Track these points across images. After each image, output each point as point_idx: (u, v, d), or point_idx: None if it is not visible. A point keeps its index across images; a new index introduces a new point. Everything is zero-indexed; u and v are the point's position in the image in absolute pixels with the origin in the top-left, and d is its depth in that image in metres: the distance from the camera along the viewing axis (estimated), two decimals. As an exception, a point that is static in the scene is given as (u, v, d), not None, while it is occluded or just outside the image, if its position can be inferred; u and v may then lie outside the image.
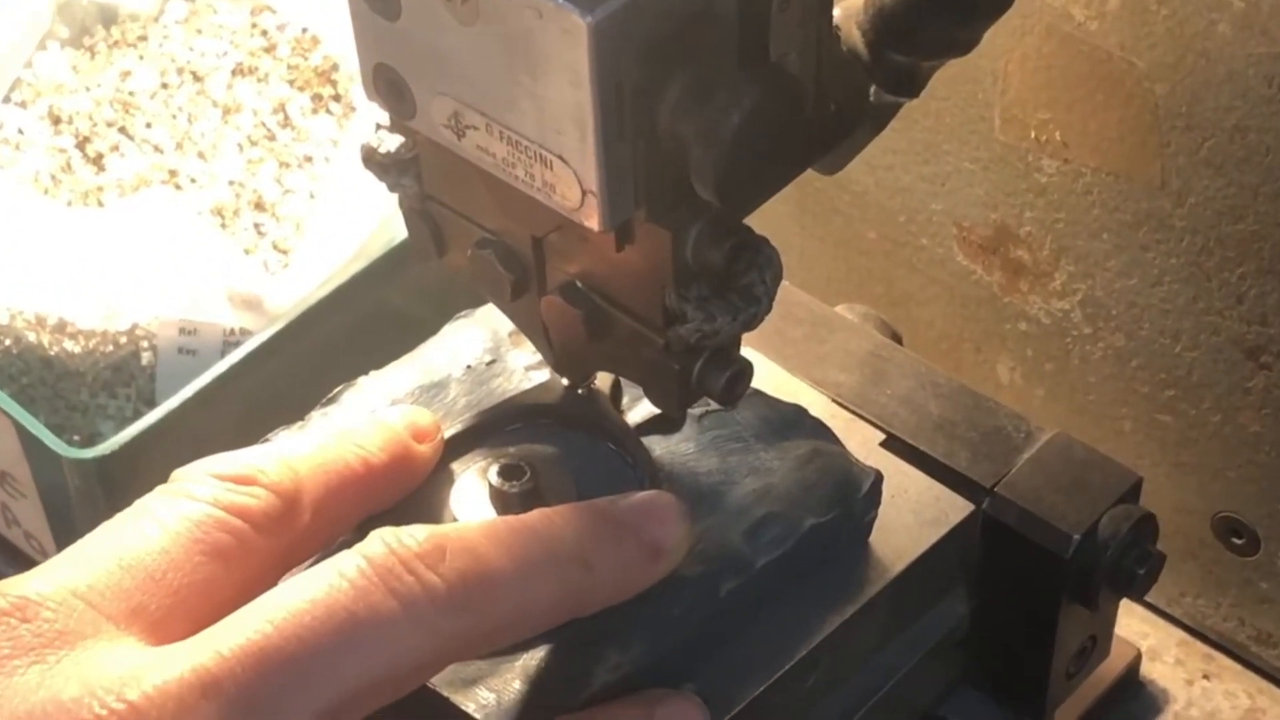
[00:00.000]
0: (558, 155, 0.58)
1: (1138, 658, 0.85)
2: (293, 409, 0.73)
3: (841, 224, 0.89)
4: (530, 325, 0.69)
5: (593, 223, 0.59)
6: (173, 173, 0.95)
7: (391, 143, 0.67)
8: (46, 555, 0.89)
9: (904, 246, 0.87)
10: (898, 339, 0.81)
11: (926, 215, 0.85)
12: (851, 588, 0.69)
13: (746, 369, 0.65)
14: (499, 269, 0.66)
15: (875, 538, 0.70)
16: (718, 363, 0.64)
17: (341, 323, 0.88)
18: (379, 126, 0.67)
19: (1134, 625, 0.88)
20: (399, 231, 0.90)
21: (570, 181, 0.58)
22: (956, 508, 0.72)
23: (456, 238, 0.68)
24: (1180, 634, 0.88)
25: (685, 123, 0.56)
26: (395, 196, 0.92)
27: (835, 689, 0.70)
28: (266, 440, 0.70)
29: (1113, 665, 0.83)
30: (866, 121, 0.67)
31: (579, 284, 0.65)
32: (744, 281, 0.62)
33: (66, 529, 0.87)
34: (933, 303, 0.87)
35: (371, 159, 0.68)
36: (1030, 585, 0.73)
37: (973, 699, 0.78)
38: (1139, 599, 0.74)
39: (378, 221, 0.93)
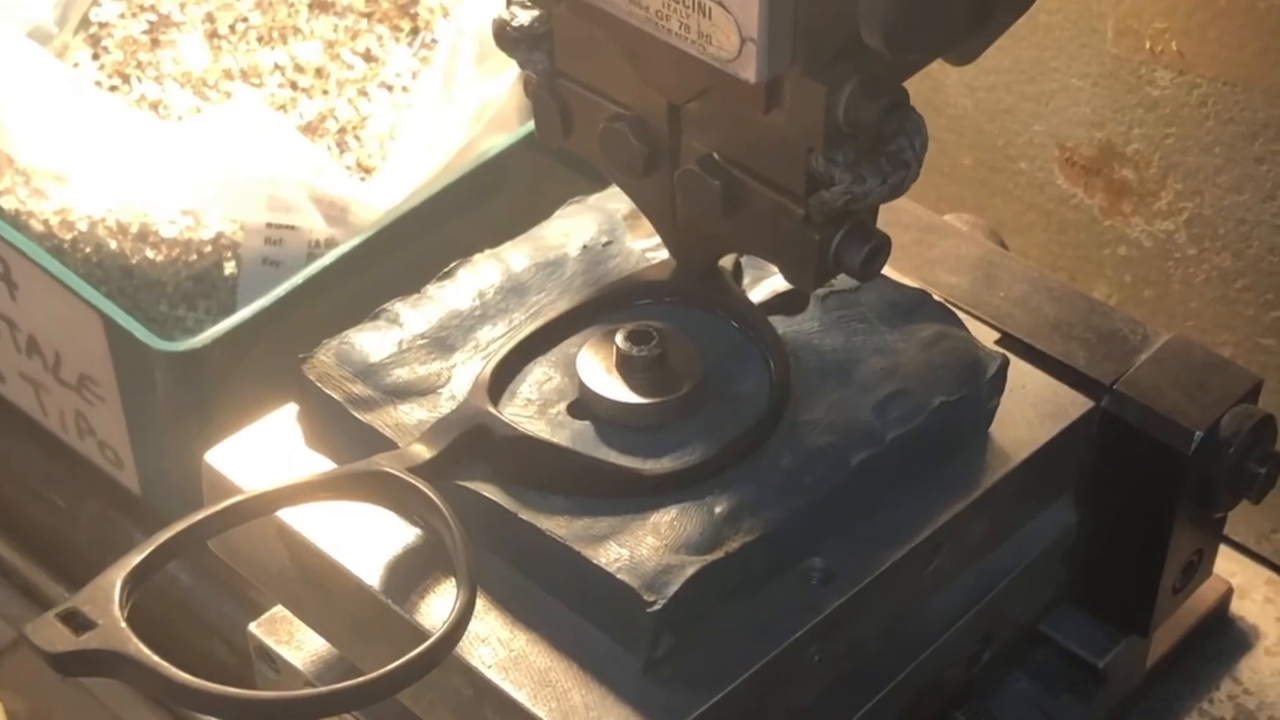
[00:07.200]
0: (717, 1, 0.58)
1: (1228, 593, 0.84)
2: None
3: (936, 150, 0.88)
4: (655, 205, 0.68)
5: (749, 73, 0.58)
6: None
7: (525, 16, 0.67)
8: (122, 467, 0.88)
9: (1001, 172, 0.86)
10: (1004, 247, 0.80)
11: (1028, 137, 0.84)
12: (974, 474, 0.68)
13: (885, 244, 0.64)
14: (633, 141, 0.66)
15: (995, 430, 0.70)
16: (857, 236, 0.63)
17: (426, 242, 0.88)
18: (511, 1, 0.67)
19: (1221, 564, 0.87)
20: (487, 151, 0.90)
21: (729, 30, 0.58)
22: (1076, 403, 0.71)
23: (584, 117, 0.67)
24: (1268, 573, 0.87)
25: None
26: (478, 124, 0.94)
27: (950, 583, 0.69)
28: (384, 310, 0.69)
29: (1203, 599, 0.82)
30: (1007, 6, 0.66)
31: (716, 156, 0.64)
32: (893, 146, 0.62)
33: (146, 436, 0.86)
34: (1028, 230, 0.87)
35: (503, 33, 0.67)
36: (1147, 486, 0.72)
37: (1074, 617, 0.77)
38: (1257, 500, 0.73)
39: (462, 143, 0.92)
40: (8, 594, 0.93)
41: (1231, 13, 0.75)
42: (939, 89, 0.87)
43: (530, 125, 0.90)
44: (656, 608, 0.60)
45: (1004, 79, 0.84)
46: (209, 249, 0.88)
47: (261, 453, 0.68)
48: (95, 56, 0.97)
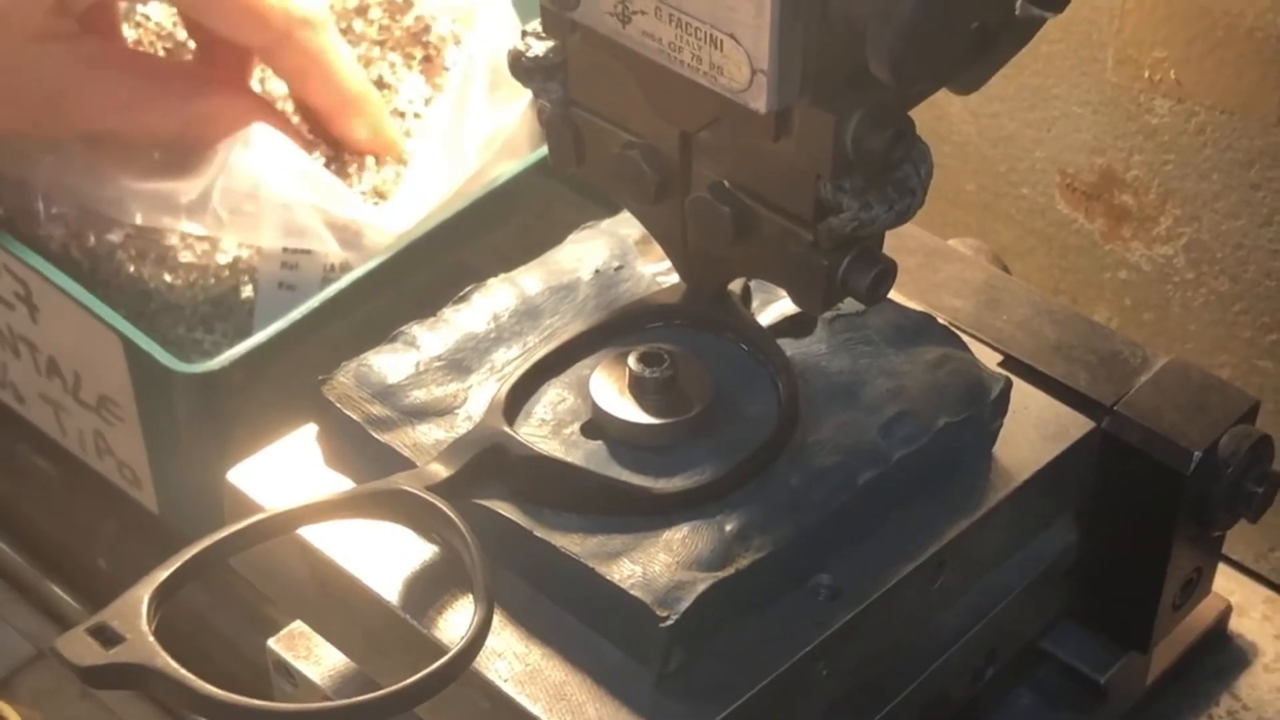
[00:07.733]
0: (729, 34, 0.59)
1: (1227, 610, 0.85)
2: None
3: (940, 176, 0.88)
4: (666, 231, 0.70)
5: (759, 104, 0.60)
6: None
7: (539, 48, 0.68)
8: (140, 487, 0.90)
9: (1003, 197, 0.88)
10: (1007, 272, 0.81)
11: (1029, 163, 0.86)
12: (977, 494, 0.70)
13: (891, 268, 0.66)
14: (645, 169, 0.67)
15: (998, 450, 0.71)
16: (864, 261, 0.65)
17: (439, 266, 0.89)
18: (525, 33, 0.69)
19: (1220, 583, 0.88)
20: (498, 176, 0.91)
21: (740, 61, 0.60)
22: (1077, 424, 0.73)
23: (597, 145, 0.69)
24: (1267, 591, 0.88)
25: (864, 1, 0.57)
26: (489, 151, 0.95)
27: (955, 600, 0.71)
28: (402, 332, 0.71)
29: (1202, 616, 0.83)
30: (1009, 37, 0.67)
31: (726, 184, 0.66)
32: (899, 174, 0.63)
33: (164, 456, 0.87)
34: (1030, 255, 0.88)
35: (518, 63, 0.69)
36: (1147, 506, 0.73)
37: (1076, 633, 0.78)
38: (1254, 520, 0.75)
39: (473, 169, 0.94)
40: (26, 610, 0.95)
41: (1229, 43, 0.76)
42: (943, 117, 0.89)
43: (541, 151, 0.92)
44: (669, 623, 0.61)
45: (1006, 107, 0.86)
46: (226, 273, 0.90)
47: (282, 472, 0.69)
48: (113, 83, 0.98)
